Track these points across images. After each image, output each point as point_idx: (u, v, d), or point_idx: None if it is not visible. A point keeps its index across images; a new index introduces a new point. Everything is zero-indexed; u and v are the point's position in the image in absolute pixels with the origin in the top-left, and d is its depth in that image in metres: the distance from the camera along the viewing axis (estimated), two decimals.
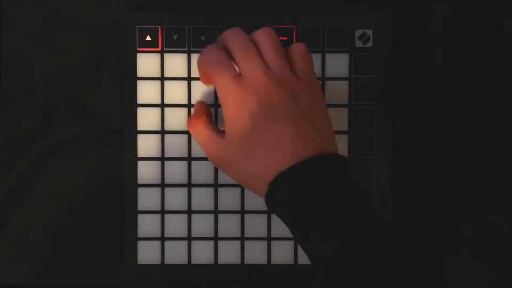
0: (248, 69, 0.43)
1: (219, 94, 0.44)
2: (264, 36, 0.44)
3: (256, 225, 0.51)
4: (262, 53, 0.44)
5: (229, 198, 0.51)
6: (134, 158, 0.51)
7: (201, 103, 0.49)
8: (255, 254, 0.51)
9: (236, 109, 0.42)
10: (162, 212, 0.51)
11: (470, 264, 0.52)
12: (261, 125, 0.42)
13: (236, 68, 0.43)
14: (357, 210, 0.41)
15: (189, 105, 0.51)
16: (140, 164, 0.51)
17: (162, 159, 0.51)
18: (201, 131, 0.46)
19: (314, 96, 0.44)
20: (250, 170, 0.43)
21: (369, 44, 0.51)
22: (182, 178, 0.51)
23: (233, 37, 0.44)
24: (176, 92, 0.51)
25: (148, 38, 0.51)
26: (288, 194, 0.41)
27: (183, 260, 0.51)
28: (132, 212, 0.51)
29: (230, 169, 0.45)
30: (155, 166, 0.51)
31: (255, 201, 0.51)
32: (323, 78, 0.51)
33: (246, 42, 0.44)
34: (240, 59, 0.43)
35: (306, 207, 0.40)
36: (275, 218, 0.50)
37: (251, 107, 0.42)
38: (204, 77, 0.46)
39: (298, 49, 0.44)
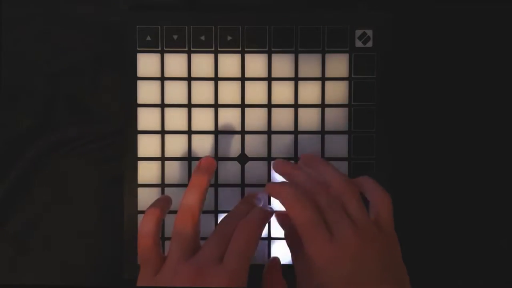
0: (339, 229, 0.43)
1: (310, 256, 0.43)
2: (348, 193, 0.44)
3: None
4: (346, 208, 0.44)
5: (229, 198, 0.51)
6: (134, 158, 0.51)
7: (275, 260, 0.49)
8: (255, 254, 0.51)
9: (329, 272, 0.42)
10: None
11: (470, 262, 0.52)
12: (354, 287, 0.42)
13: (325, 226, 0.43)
14: None
15: (189, 105, 0.51)
16: (140, 164, 0.51)
17: (162, 159, 0.51)
18: None
19: (395, 250, 0.44)
20: None
21: (369, 44, 0.51)
22: (182, 178, 0.51)
23: (322, 194, 0.44)
24: (176, 92, 0.51)
25: (148, 38, 0.51)
26: None
27: None
28: (132, 211, 0.51)
29: None
30: (155, 166, 0.51)
31: None
32: (323, 78, 0.51)
33: (334, 201, 0.44)
34: (330, 218, 0.43)
35: None
36: (274, 219, 0.50)
37: (345, 271, 0.42)
38: (290, 237, 0.47)
39: (384, 202, 0.44)
